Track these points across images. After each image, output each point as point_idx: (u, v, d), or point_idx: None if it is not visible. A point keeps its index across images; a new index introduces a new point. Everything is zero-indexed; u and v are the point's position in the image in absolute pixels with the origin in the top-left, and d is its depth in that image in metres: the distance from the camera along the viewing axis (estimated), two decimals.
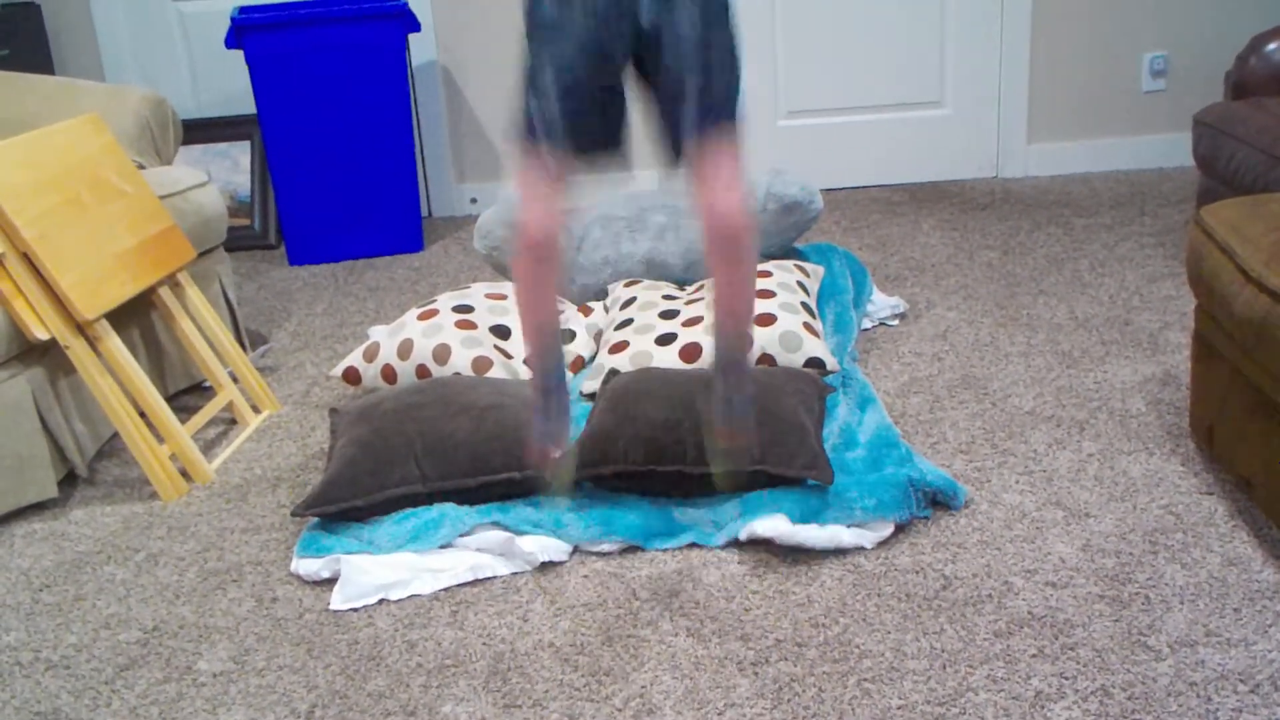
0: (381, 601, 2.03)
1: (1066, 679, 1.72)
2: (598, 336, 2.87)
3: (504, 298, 2.85)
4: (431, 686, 1.81)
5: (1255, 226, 2.08)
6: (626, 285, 2.96)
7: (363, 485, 2.18)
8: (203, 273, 2.99)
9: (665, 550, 2.11)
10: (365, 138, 3.84)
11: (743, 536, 2.08)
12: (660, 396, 2.28)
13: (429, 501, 2.21)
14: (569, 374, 2.69)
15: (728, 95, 1.82)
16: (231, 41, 3.69)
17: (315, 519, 2.20)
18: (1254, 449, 2.06)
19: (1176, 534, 2.05)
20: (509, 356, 2.68)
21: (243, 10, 3.79)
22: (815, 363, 2.57)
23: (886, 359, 2.84)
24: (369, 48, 3.76)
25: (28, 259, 2.35)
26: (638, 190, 3.25)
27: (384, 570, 2.05)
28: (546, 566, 2.09)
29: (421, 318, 2.73)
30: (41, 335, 2.36)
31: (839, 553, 2.06)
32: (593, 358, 2.81)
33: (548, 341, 1.95)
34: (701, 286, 2.89)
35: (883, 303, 3.08)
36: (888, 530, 2.09)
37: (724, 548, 2.10)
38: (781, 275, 2.80)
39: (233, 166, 4.23)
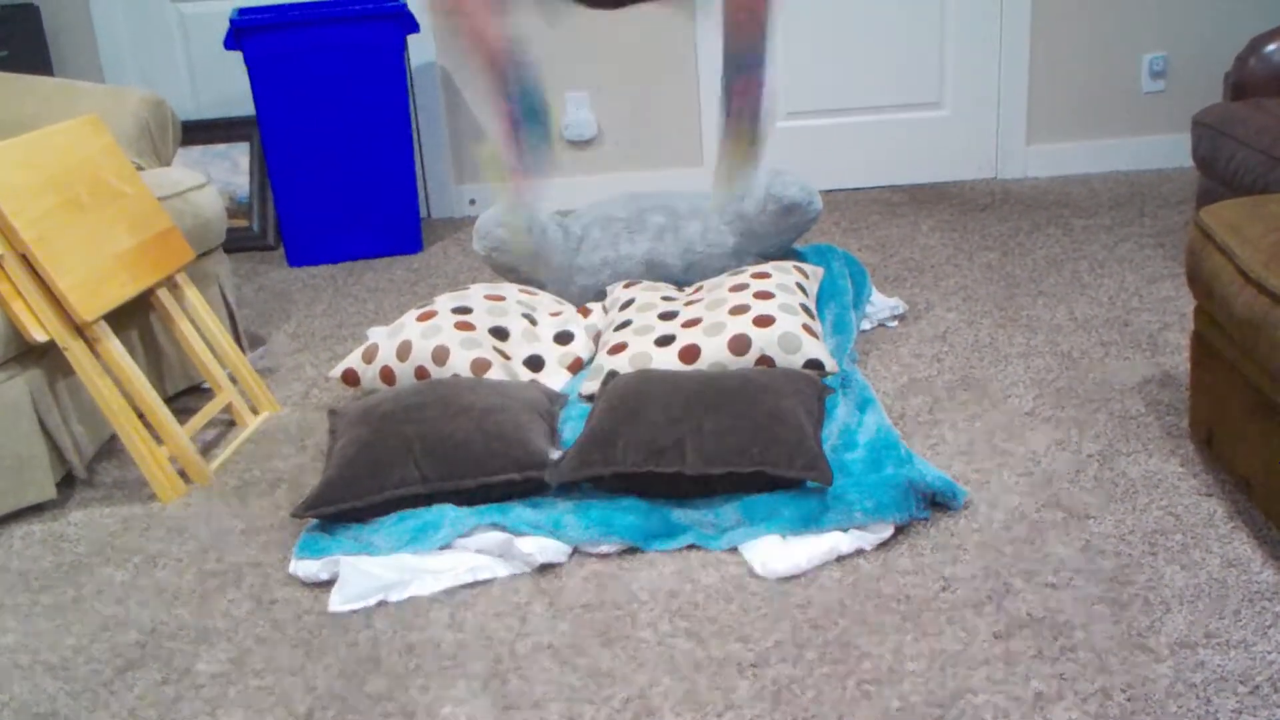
0: (380, 603, 2.02)
1: (1066, 680, 1.71)
2: (596, 338, 2.87)
3: (503, 299, 2.85)
4: (430, 688, 1.81)
5: (1255, 227, 2.08)
6: (625, 287, 2.95)
7: (362, 486, 2.18)
8: (202, 274, 2.99)
9: (664, 551, 2.11)
10: (364, 139, 3.84)
11: (743, 553, 2.08)
12: (659, 398, 2.29)
13: (428, 503, 2.21)
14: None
15: None
16: (230, 43, 3.69)
17: (314, 520, 2.20)
18: (1253, 450, 2.06)
19: (1176, 535, 2.05)
20: (508, 358, 2.68)
21: (242, 11, 3.79)
22: (814, 364, 2.57)
23: (886, 360, 2.84)
24: (368, 49, 3.76)
25: (26, 260, 2.35)
26: (637, 191, 3.25)
27: (383, 572, 2.05)
28: (545, 568, 2.09)
29: (420, 319, 2.73)
30: (40, 336, 2.36)
31: (839, 555, 2.06)
32: (591, 359, 2.81)
33: (504, 62, 1.82)
34: (700, 288, 2.89)
35: (882, 304, 3.08)
36: (887, 532, 2.09)
37: (723, 549, 2.10)
38: (781, 276, 2.80)
39: (232, 168, 4.23)
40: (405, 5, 3.76)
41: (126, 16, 4.25)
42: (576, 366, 2.77)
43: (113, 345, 2.46)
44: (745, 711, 1.70)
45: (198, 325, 2.79)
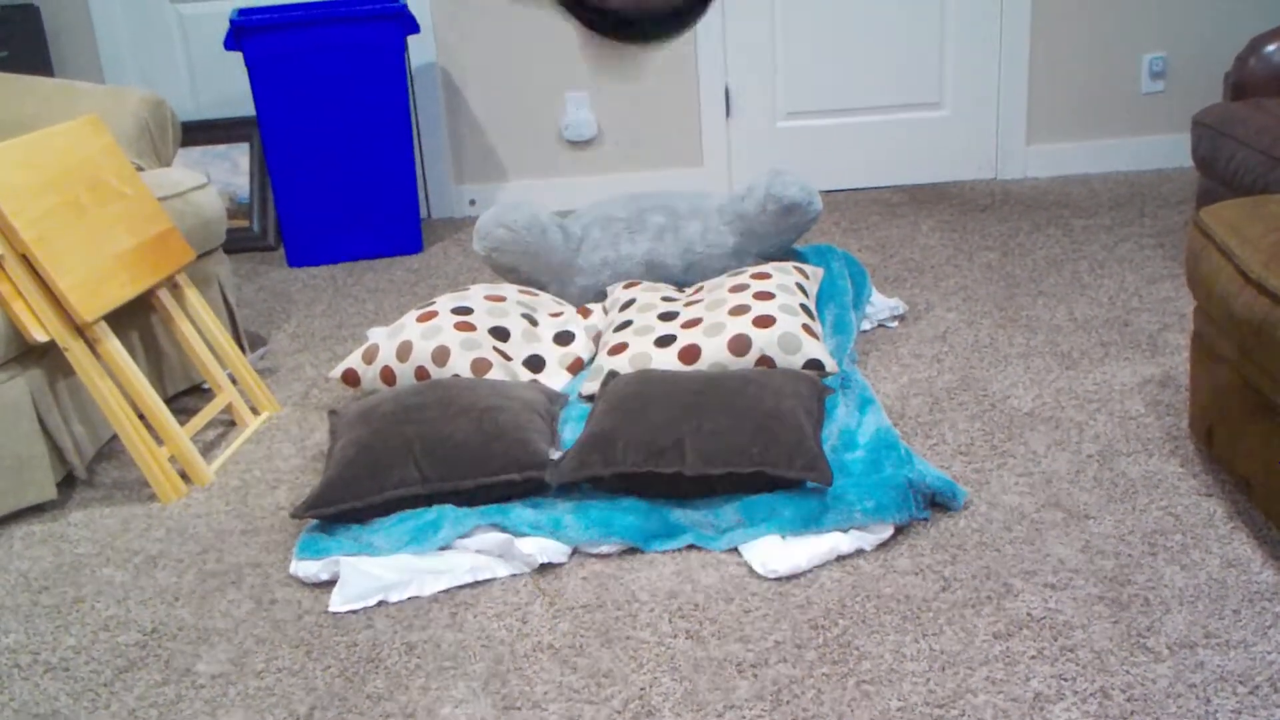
0: (380, 603, 2.02)
1: (1066, 680, 1.71)
2: (597, 338, 2.87)
3: (503, 299, 2.85)
4: (430, 688, 1.81)
5: (1254, 228, 2.08)
6: (626, 287, 2.96)
7: (362, 487, 2.18)
8: (202, 274, 2.99)
9: (664, 552, 2.11)
10: (364, 139, 3.84)
11: (743, 554, 2.08)
12: (659, 398, 2.29)
13: (428, 503, 2.21)
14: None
15: None
16: (230, 43, 3.69)
17: (314, 521, 2.20)
18: (1253, 450, 2.06)
19: (1176, 535, 2.05)
20: (508, 358, 2.68)
21: (242, 12, 3.79)
22: (814, 364, 2.57)
23: (886, 360, 2.84)
24: (368, 49, 3.76)
25: (27, 261, 2.35)
26: (637, 191, 3.25)
27: (383, 572, 2.05)
28: (545, 568, 2.09)
29: (421, 319, 2.73)
30: (40, 337, 2.36)
31: (839, 555, 2.06)
32: (591, 359, 2.81)
33: None
34: (700, 288, 2.89)
35: (882, 304, 3.08)
36: (887, 532, 2.09)
37: (723, 550, 2.10)
38: (781, 277, 2.80)
39: (232, 168, 4.23)
40: (405, 6, 3.76)
41: (126, 17, 4.25)
42: (577, 367, 2.77)
43: (113, 346, 2.46)
44: (745, 711, 1.70)
45: (198, 326, 2.79)
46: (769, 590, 1.98)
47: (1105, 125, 4.31)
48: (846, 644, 1.83)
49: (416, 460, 2.21)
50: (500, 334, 2.73)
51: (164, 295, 2.72)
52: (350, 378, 2.73)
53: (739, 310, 2.64)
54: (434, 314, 2.74)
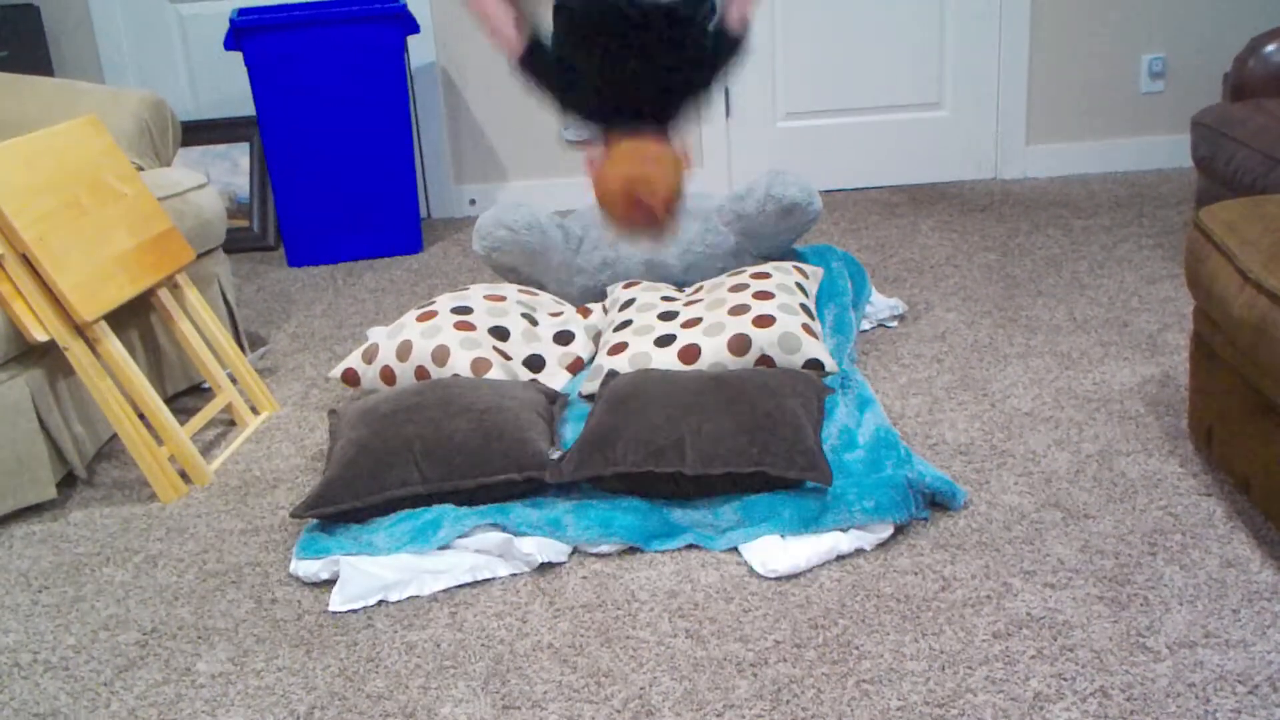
0: (380, 603, 2.03)
1: (1065, 680, 1.72)
2: (597, 338, 2.87)
3: (503, 299, 2.85)
4: (430, 688, 1.81)
5: (1254, 228, 2.09)
6: (625, 287, 2.96)
7: (362, 487, 2.18)
8: (202, 274, 2.99)
9: (664, 551, 2.11)
10: (364, 139, 3.84)
11: (743, 553, 2.08)
12: (659, 398, 2.29)
13: (428, 503, 2.21)
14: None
15: None
16: (230, 43, 3.70)
17: (314, 520, 2.20)
18: (1252, 450, 2.06)
19: (1175, 535, 2.05)
20: (508, 358, 2.68)
21: (242, 12, 3.79)
22: (814, 364, 2.57)
23: (885, 360, 2.84)
24: (368, 49, 3.76)
25: (27, 260, 2.35)
26: None
27: (383, 571, 2.05)
28: (545, 568, 2.09)
29: (420, 319, 2.73)
30: (40, 337, 2.36)
31: (839, 555, 2.06)
32: (591, 359, 2.81)
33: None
34: (700, 288, 2.90)
35: (881, 304, 3.08)
36: (887, 532, 2.09)
37: (722, 550, 2.10)
38: (780, 277, 2.80)
39: (232, 168, 4.23)
40: (405, 6, 3.77)
41: (126, 17, 4.25)
42: (577, 366, 2.77)
43: (113, 345, 2.46)
44: (745, 711, 1.70)
45: (198, 325, 2.79)
46: (769, 590, 1.98)
47: (1105, 125, 4.32)
48: (846, 643, 1.83)
49: (416, 460, 2.21)
50: (500, 334, 2.73)
51: (164, 295, 2.72)
52: (350, 377, 2.73)
53: (739, 310, 2.64)
54: (434, 314, 2.74)
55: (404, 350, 2.66)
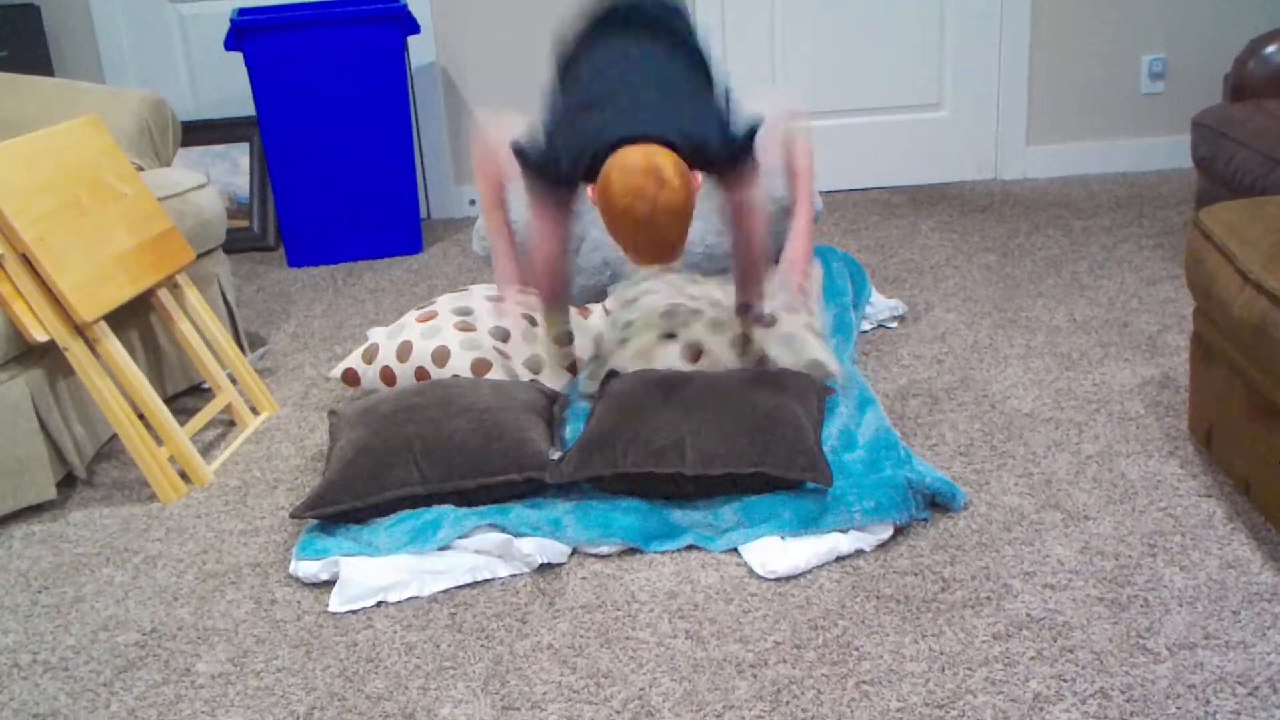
0: (380, 603, 2.03)
1: (1065, 681, 1.72)
2: (597, 338, 2.87)
3: (504, 300, 2.84)
4: (430, 688, 1.81)
5: (1254, 229, 2.09)
6: (627, 286, 2.95)
7: (361, 487, 2.18)
8: (202, 274, 2.99)
9: (664, 552, 2.11)
10: (364, 140, 3.84)
11: (743, 554, 2.08)
12: (659, 398, 2.29)
13: (428, 503, 2.21)
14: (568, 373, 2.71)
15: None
16: (231, 43, 3.70)
17: (314, 521, 2.20)
18: (1252, 451, 2.06)
19: (1175, 536, 2.05)
20: (508, 358, 2.68)
21: (242, 12, 3.79)
22: (816, 365, 2.57)
23: (885, 361, 2.84)
24: (368, 49, 3.76)
25: (27, 260, 2.35)
26: None
27: (382, 572, 2.05)
28: (545, 568, 2.09)
29: (421, 319, 2.73)
30: (40, 337, 2.36)
31: (838, 555, 2.06)
32: (592, 359, 2.81)
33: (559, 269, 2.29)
34: (698, 285, 2.89)
35: (882, 305, 3.08)
36: (886, 533, 2.09)
37: (722, 550, 2.10)
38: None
39: (232, 168, 4.23)
40: (405, 6, 3.77)
41: (126, 17, 4.25)
42: (576, 367, 2.77)
43: (113, 345, 2.46)
44: (744, 712, 1.70)
45: (198, 326, 2.79)
46: (769, 591, 1.98)
47: (1105, 126, 4.32)
48: (846, 644, 1.83)
49: (417, 460, 2.21)
50: (500, 334, 2.73)
51: (164, 295, 2.72)
52: (350, 377, 2.73)
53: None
54: (434, 314, 2.74)
55: (404, 351, 2.66)
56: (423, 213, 4.41)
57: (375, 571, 2.05)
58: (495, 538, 2.09)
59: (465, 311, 2.75)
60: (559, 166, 2.15)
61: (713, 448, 2.17)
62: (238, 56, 4.24)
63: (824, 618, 1.90)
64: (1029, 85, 4.25)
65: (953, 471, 2.31)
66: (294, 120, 3.79)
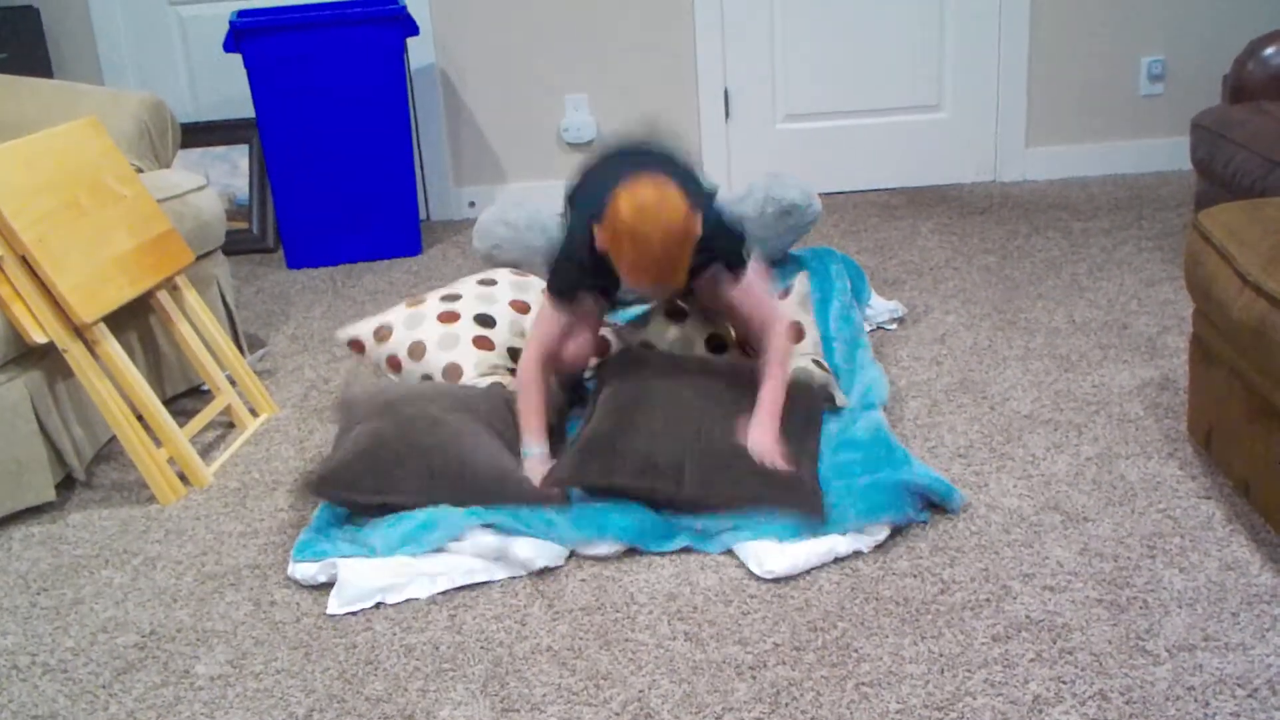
0: (379, 605, 2.02)
1: (1064, 683, 1.72)
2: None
3: (527, 309, 2.77)
4: (429, 690, 1.81)
5: (1253, 230, 2.09)
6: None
7: (370, 482, 2.17)
8: (201, 276, 2.99)
9: (662, 554, 2.11)
10: (363, 141, 3.84)
11: (741, 555, 2.08)
12: (661, 407, 2.25)
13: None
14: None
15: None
16: (230, 45, 3.70)
17: (312, 523, 2.20)
18: (1252, 452, 2.06)
19: (1174, 538, 2.05)
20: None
21: (241, 14, 3.79)
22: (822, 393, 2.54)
23: (885, 363, 2.84)
24: (367, 51, 3.76)
25: (26, 262, 2.35)
26: None
27: (381, 574, 2.05)
28: (544, 570, 2.09)
29: (442, 319, 2.65)
30: (39, 338, 2.36)
31: (836, 557, 2.06)
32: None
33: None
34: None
35: (881, 307, 3.08)
36: (883, 533, 2.09)
37: (721, 552, 2.10)
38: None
39: (231, 170, 4.23)
40: (404, 8, 3.77)
41: (126, 19, 4.25)
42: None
43: (112, 347, 2.46)
44: (744, 714, 1.70)
45: (197, 327, 2.79)
46: (768, 592, 1.98)
47: (1104, 128, 4.32)
48: (845, 646, 1.83)
49: (429, 475, 2.18)
50: (516, 355, 2.68)
51: (163, 297, 2.72)
52: (356, 347, 2.70)
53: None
54: (455, 317, 2.65)
55: (417, 350, 2.61)
56: (422, 214, 4.41)
57: (373, 573, 2.05)
58: (491, 542, 2.08)
59: (488, 322, 2.68)
60: (582, 265, 2.29)
61: (712, 475, 2.14)
62: (237, 58, 4.24)
63: (823, 619, 1.90)
64: (1028, 87, 4.25)
65: (952, 473, 2.31)
66: (293, 122, 3.79)
